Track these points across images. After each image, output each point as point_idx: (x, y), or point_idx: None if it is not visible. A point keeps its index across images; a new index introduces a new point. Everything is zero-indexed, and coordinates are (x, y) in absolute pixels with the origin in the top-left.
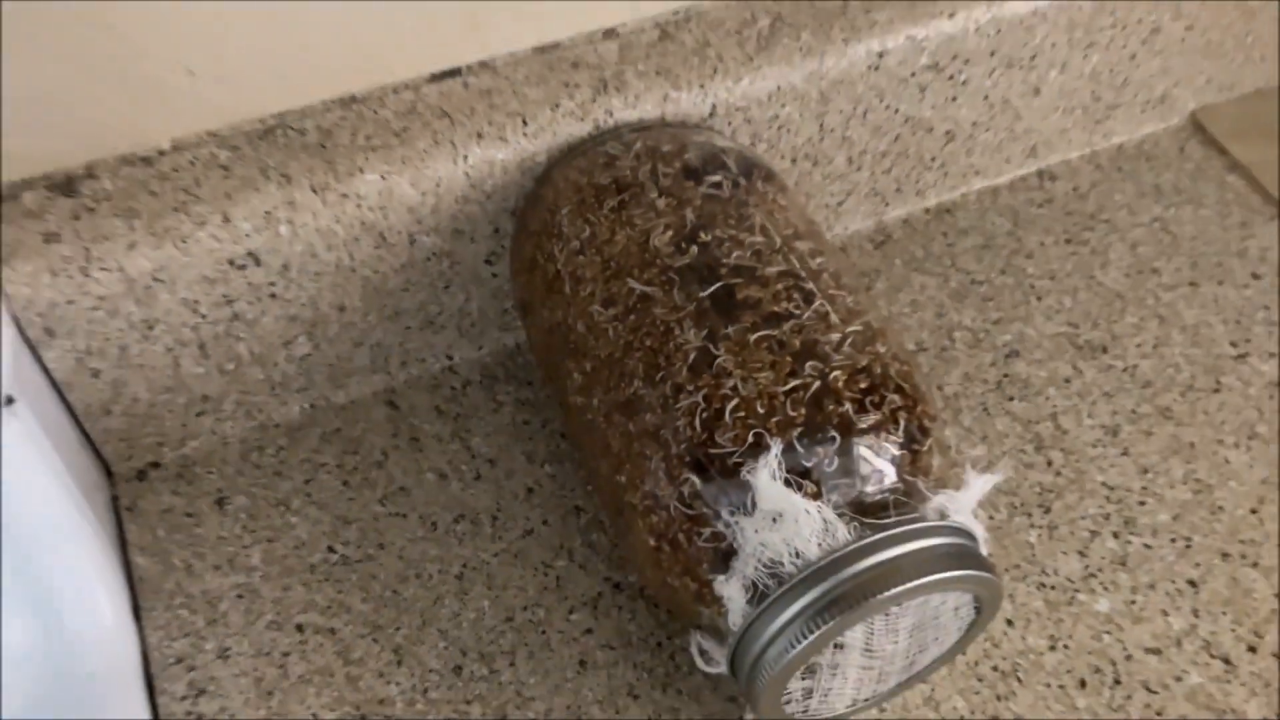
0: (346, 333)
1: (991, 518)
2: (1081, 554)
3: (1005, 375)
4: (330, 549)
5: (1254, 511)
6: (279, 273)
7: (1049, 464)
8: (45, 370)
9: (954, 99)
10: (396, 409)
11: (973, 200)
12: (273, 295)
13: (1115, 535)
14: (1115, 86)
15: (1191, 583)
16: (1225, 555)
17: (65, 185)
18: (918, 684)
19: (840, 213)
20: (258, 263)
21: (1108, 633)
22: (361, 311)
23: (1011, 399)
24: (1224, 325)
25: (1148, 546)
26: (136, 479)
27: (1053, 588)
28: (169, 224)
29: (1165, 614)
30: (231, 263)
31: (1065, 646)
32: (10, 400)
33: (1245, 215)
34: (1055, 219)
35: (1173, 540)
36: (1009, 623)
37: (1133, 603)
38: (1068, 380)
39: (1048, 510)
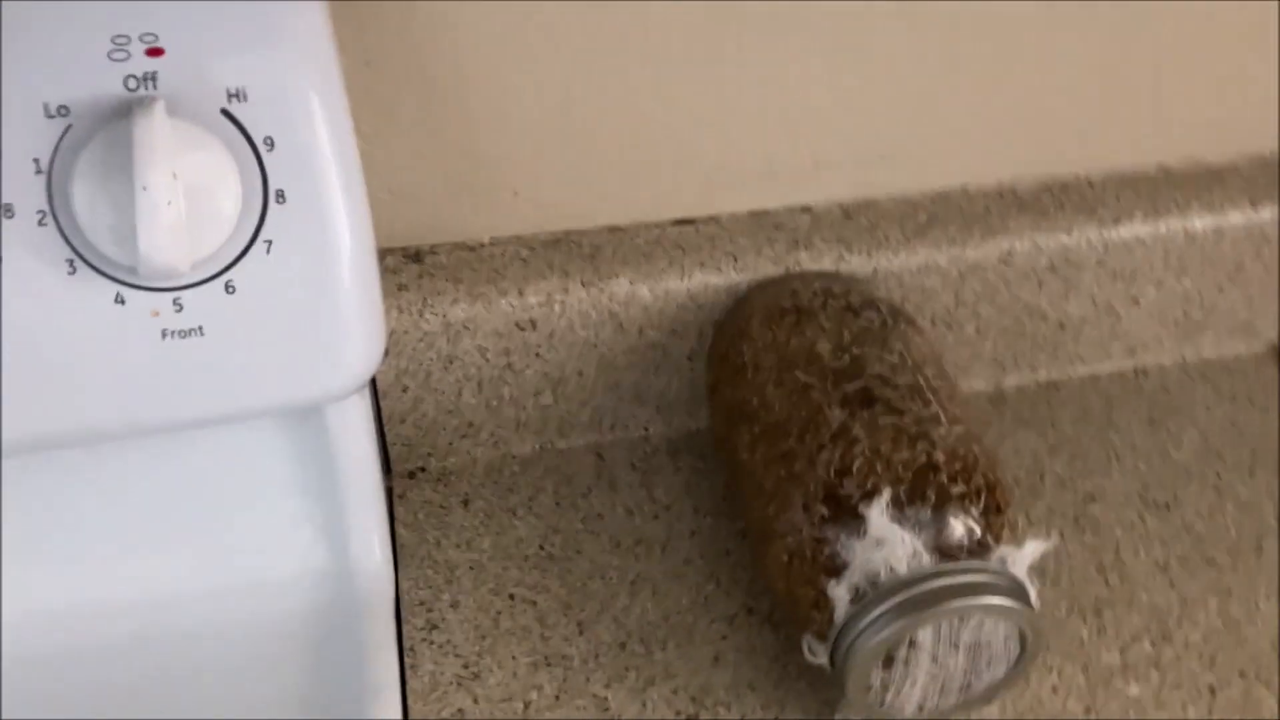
0: (578, 394)
1: (1053, 613)
2: (1122, 651)
3: (1082, 514)
4: (540, 547)
5: (1273, 646)
6: (546, 338)
7: (1106, 583)
8: (373, 379)
9: (1065, 297)
10: (602, 459)
11: (1076, 381)
12: (538, 354)
13: (1152, 643)
14: (1205, 309)
15: (1211, 688)
16: (1243, 673)
17: (415, 255)
18: (975, 712)
19: (966, 372)
20: (534, 328)
21: (1135, 710)
22: (593, 379)
23: (1084, 532)
24: (1272, 504)
25: (1178, 656)
26: (408, 476)
27: (1094, 671)
28: (481, 291)
29: (1185, 707)
30: (517, 325)
31: (1097, 714)
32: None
33: None
34: (1143, 404)
35: (1200, 655)
36: (1054, 689)
37: (1159, 695)
38: (1133, 526)
39: (1099, 615)
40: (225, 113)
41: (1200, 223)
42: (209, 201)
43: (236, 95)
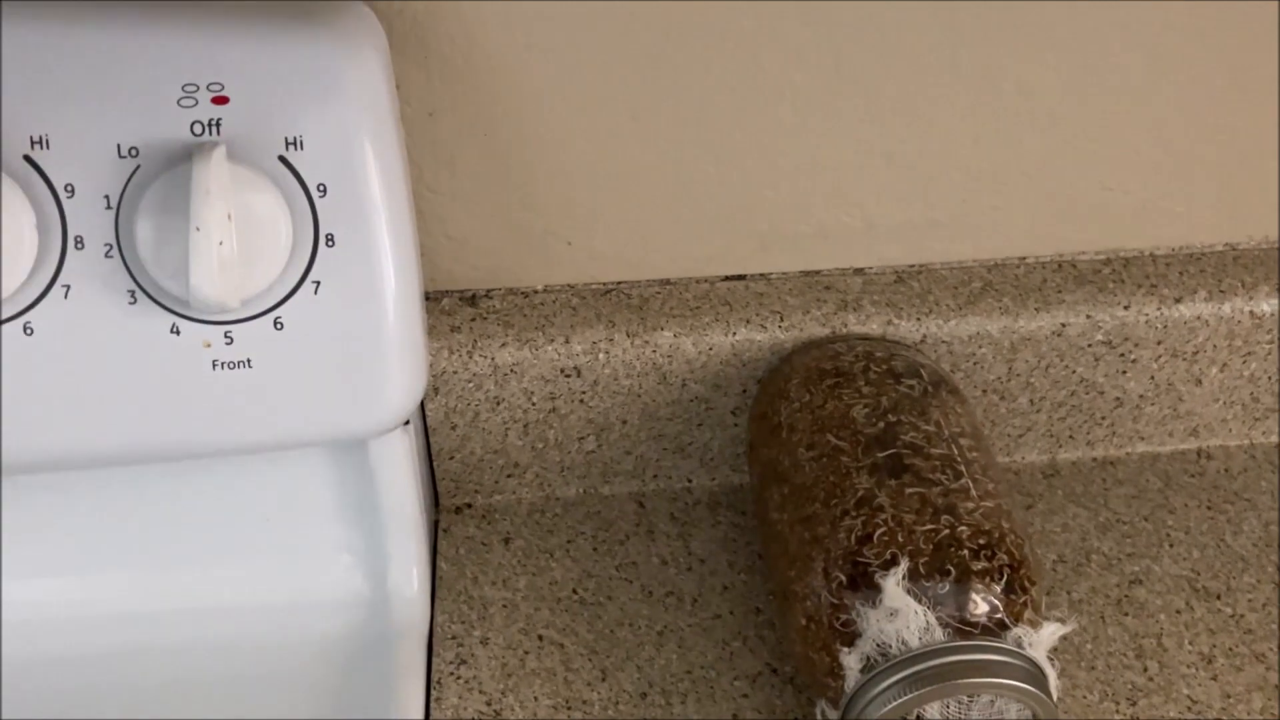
0: (622, 442)
1: (1084, 698)
2: None
3: (1126, 596)
4: (574, 591)
5: None
6: (590, 386)
7: (1144, 670)
8: (424, 415)
9: (1124, 373)
10: (643, 507)
11: (1134, 459)
12: (582, 401)
13: None
14: (1273, 393)
15: None
16: None
17: (470, 299)
18: None
19: (1019, 444)
20: (579, 375)
21: None
22: (636, 428)
23: (1127, 614)
24: None
25: None
26: (454, 512)
27: None
28: (530, 336)
29: None
30: (562, 371)
31: None
32: (406, 422)
33: None
34: (1203, 488)
35: None
36: None
37: None
38: (1179, 612)
39: (1134, 704)
40: (282, 159)
41: (1268, 305)
42: (260, 242)
43: (294, 143)
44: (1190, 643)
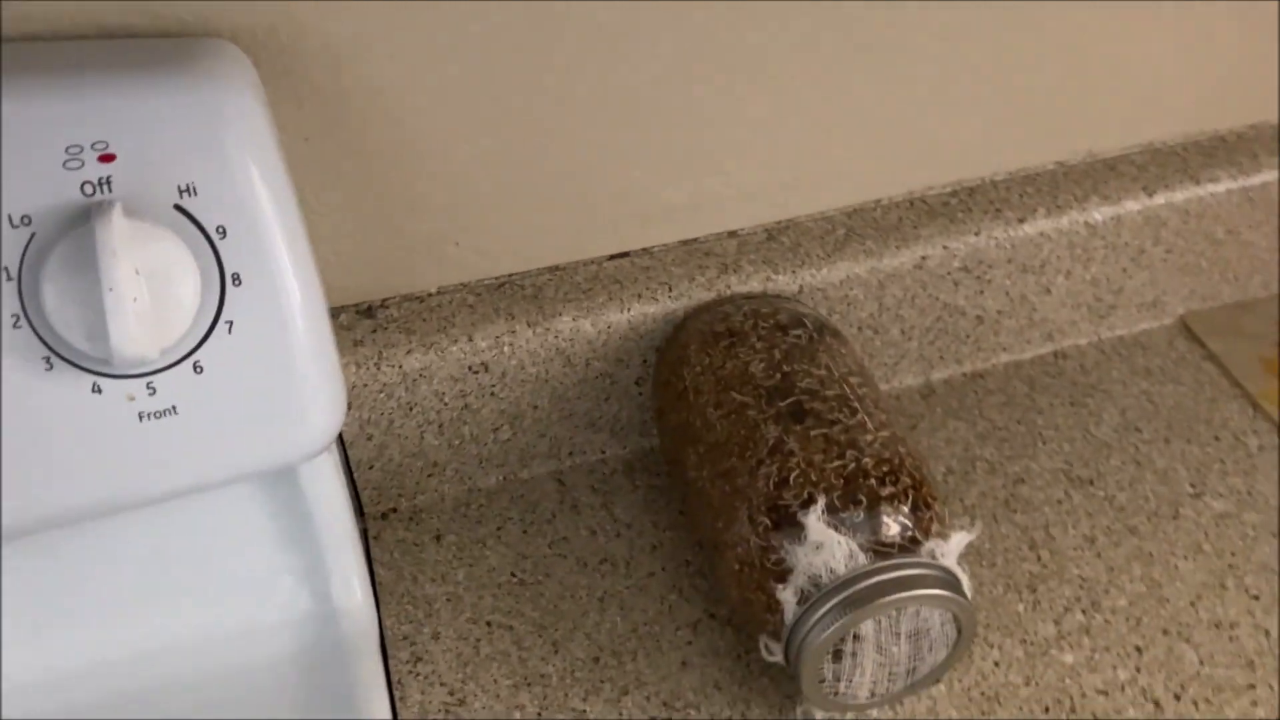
0: (535, 427)
1: (990, 592)
2: (1056, 622)
3: (1012, 495)
4: (512, 574)
5: (1192, 604)
6: (499, 378)
7: (1038, 559)
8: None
9: (981, 293)
10: (564, 485)
11: (1000, 369)
12: (492, 394)
13: (1084, 611)
14: (1114, 291)
15: (1137, 648)
16: (1165, 631)
17: (367, 311)
18: (922, 693)
19: (895, 370)
20: (487, 370)
21: (1070, 677)
22: (547, 412)
23: (1015, 512)
24: (1187, 472)
25: (1107, 622)
26: (381, 518)
27: (1031, 643)
28: (433, 340)
29: (1114, 668)
30: (470, 368)
31: (1036, 684)
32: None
33: (1214, 394)
34: (1063, 387)
35: (1127, 619)
36: (995, 664)
37: (1091, 658)
38: (1060, 502)
39: (1034, 591)
40: (178, 208)
41: (1098, 214)
42: (171, 292)
43: (187, 190)
44: (1073, 528)
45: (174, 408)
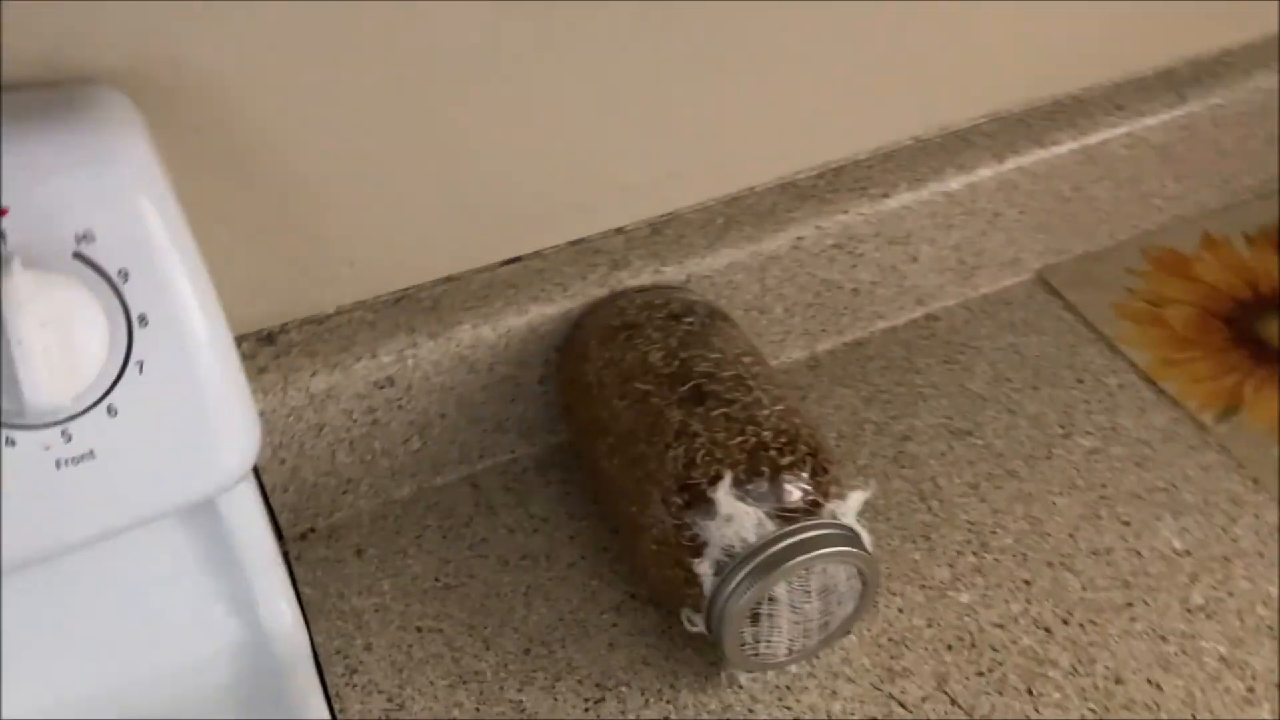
0: (445, 434)
1: (887, 544)
2: (950, 565)
3: (900, 452)
4: (436, 579)
5: (1071, 536)
6: (404, 391)
7: (929, 509)
8: None
9: (854, 266)
10: (478, 488)
11: (879, 336)
12: (400, 407)
13: (974, 554)
14: (975, 253)
15: (1026, 581)
16: (1049, 564)
17: (269, 338)
18: (836, 645)
19: (783, 346)
20: (392, 384)
21: (967, 615)
22: (455, 419)
23: (904, 468)
24: (1056, 414)
25: (997, 560)
26: (300, 539)
27: (930, 588)
28: (337, 359)
29: (1007, 601)
30: (375, 384)
31: (938, 624)
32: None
33: (1075, 340)
34: (937, 346)
35: (1014, 555)
36: (899, 610)
37: (985, 595)
38: (944, 454)
39: (928, 539)
40: (78, 255)
41: (955, 183)
42: (78, 339)
43: (85, 237)
44: (958, 477)
45: (91, 452)
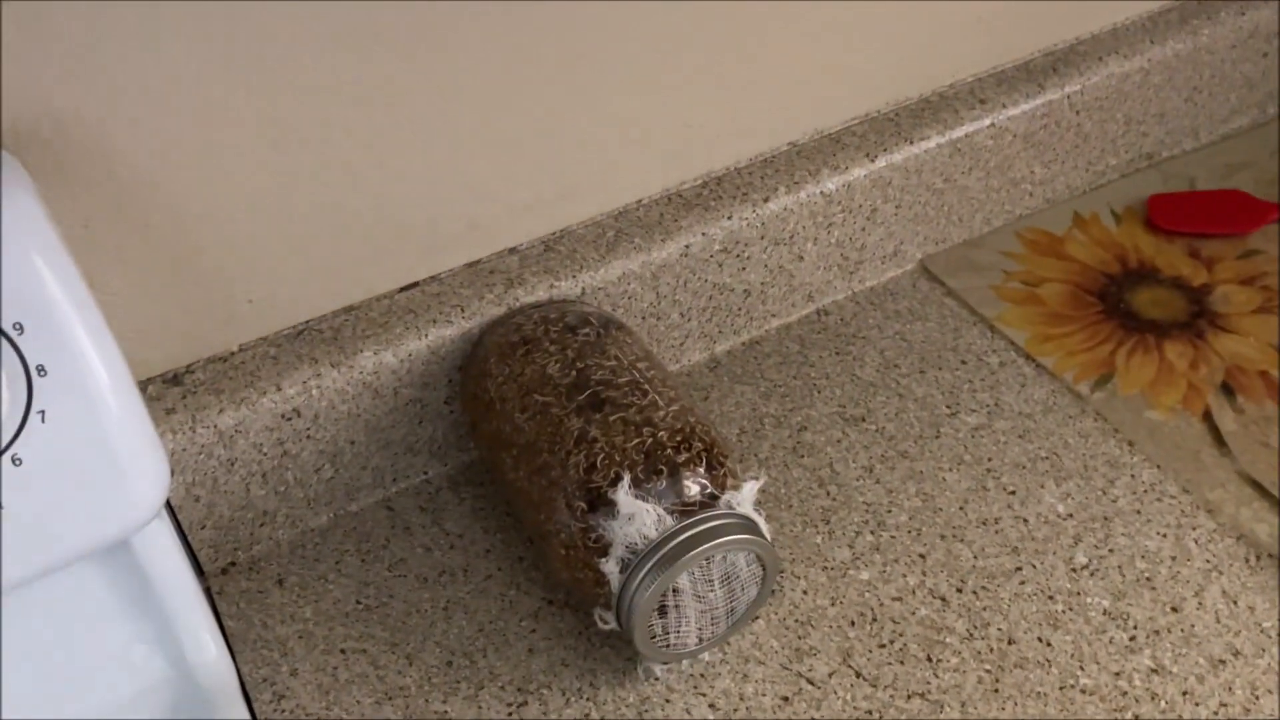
0: (356, 461)
1: (790, 530)
2: (850, 546)
3: (798, 442)
4: (357, 601)
5: (961, 509)
6: (312, 421)
7: (828, 494)
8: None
9: (743, 269)
10: (393, 510)
11: (773, 334)
12: (309, 437)
13: (872, 533)
14: (858, 249)
15: (921, 555)
16: (942, 536)
17: (174, 379)
18: (745, 630)
19: (682, 350)
20: (299, 415)
21: (868, 591)
22: (365, 444)
23: (803, 457)
24: (942, 395)
25: (893, 537)
26: (221, 573)
27: (832, 568)
28: (243, 395)
29: (904, 576)
30: (283, 416)
31: (840, 602)
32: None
33: (957, 324)
34: (829, 340)
35: (909, 532)
36: (804, 592)
37: (884, 571)
38: (839, 441)
39: (828, 522)
40: None
41: (830, 184)
42: None
43: None
44: (853, 461)
45: None
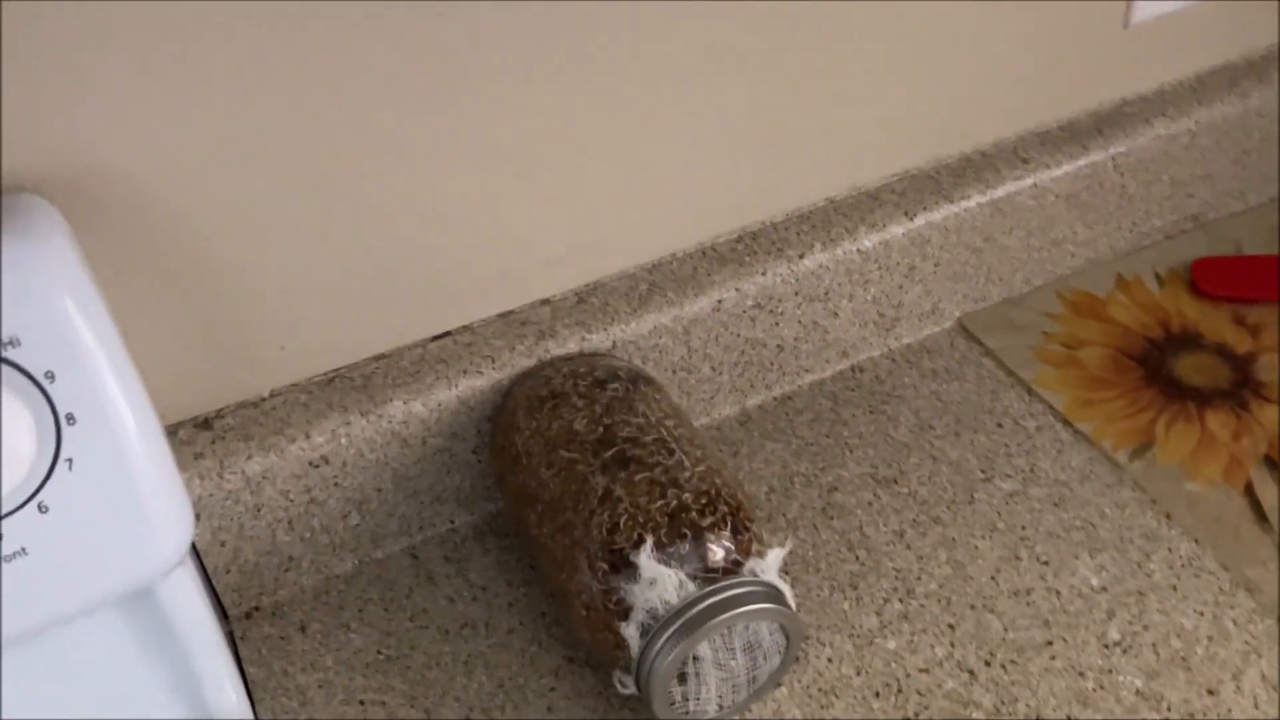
0: (382, 508)
1: (817, 595)
2: (878, 613)
3: (828, 503)
4: (378, 651)
5: (992, 578)
6: (340, 468)
7: (856, 558)
8: (193, 541)
9: (776, 324)
10: (417, 559)
11: (805, 390)
12: (336, 484)
13: (900, 600)
14: (894, 306)
15: (950, 625)
16: (972, 606)
17: (204, 423)
18: (767, 698)
19: (712, 404)
20: (327, 463)
21: (894, 661)
22: (392, 492)
23: (832, 519)
24: (977, 459)
25: (922, 605)
26: (245, 618)
27: (858, 636)
28: (271, 441)
29: (932, 646)
30: (310, 463)
31: (866, 672)
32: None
33: (994, 385)
34: (863, 397)
35: (938, 600)
36: (829, 660)
37: (911, 641)
38: (870, 503)
39: (855, 588)
40: (3, 359)
41: (868, 241)
42: (8, 442)
43: (11, 343)
44: (884, 525)
45: (23, 549)
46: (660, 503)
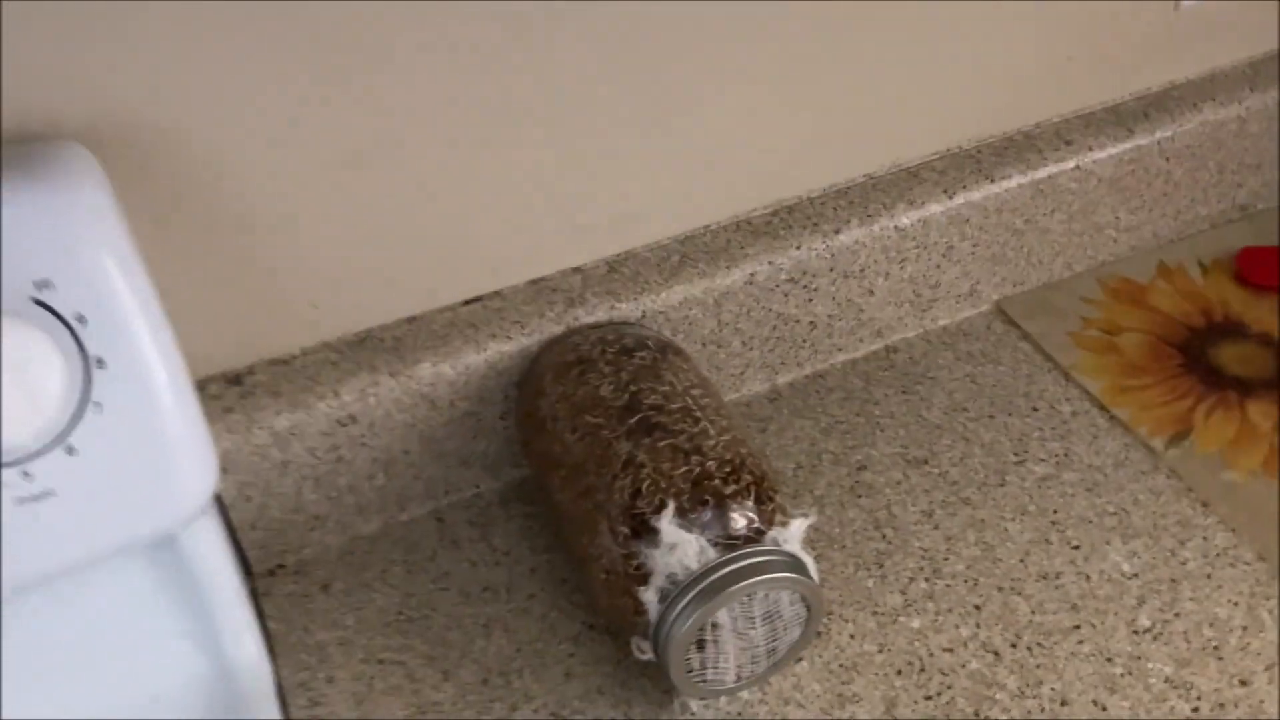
0: (409, 470)
1: (841, 572)
2: (903, 592)
3: (856, 481)
4: (399, 612)
5: (1021, 560)
6: (368, 428)
7: (883, 537)
8: (219, 495)
9: (810, 301)
10: (442, 522)
11: (837, 368)
12: (363, 444)
13: (926, 580)
14: (931, 286)
15: (976, 606)
16: (1000, 588)
17: (234, 379)
18: (786, 671)
19: (742, 380)
20: (355, 422)
21: (918, 640)
22: (418, 455)
23: (860, 496)
24: (1010, 442)
25: (948, 586)
26: (269, 575)
27: (882, 613)
28: (301, 398)
29: (957, 626)
30: (339, 422)
31: (888, 650)
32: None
33: (1030, 370)
34: (895, 377)
35: (965, 581)
36: (851, 636)
37: (936, 620)
38: (899, 483)
39: (881, 566)
40: (36, 300)
41: (905, 219)
42: (37, 381)
43: (44, 284)
44: (912, 505)
45: (51, 490)
46: (684, 469)
